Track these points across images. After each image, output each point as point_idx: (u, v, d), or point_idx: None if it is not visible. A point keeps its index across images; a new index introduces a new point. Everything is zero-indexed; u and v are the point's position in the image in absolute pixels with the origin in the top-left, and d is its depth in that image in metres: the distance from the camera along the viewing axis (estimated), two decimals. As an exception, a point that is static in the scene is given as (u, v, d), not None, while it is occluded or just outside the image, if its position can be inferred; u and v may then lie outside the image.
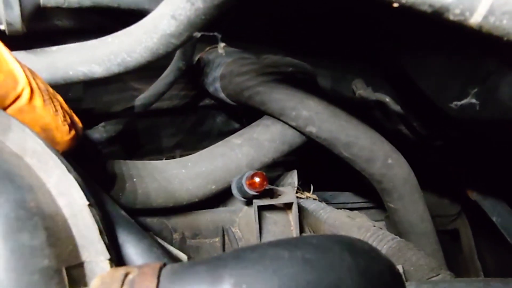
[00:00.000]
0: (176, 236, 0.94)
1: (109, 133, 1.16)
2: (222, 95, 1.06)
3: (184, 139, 1.51)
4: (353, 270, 0.33)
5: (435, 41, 0.85)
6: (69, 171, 0.41)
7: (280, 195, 0.91)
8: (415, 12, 0.37)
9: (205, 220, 0.96)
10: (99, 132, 1.14)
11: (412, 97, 1.18)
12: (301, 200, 1.14)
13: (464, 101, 0.49)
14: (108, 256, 0.39)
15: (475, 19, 0.35)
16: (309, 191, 1.21)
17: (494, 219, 1.25)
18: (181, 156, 1.41)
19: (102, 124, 1.16)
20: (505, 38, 0.35)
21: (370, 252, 0.36)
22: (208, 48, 1.13)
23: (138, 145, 1.46)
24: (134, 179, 0.81)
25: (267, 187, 0.85)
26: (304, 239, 0.36)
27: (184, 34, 0.54)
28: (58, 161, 0.41)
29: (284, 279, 0.32)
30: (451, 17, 0.36)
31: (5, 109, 0.42)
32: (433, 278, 0.77)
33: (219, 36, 0.55)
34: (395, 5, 0.37)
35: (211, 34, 0.53)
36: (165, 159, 0.94)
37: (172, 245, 0.73)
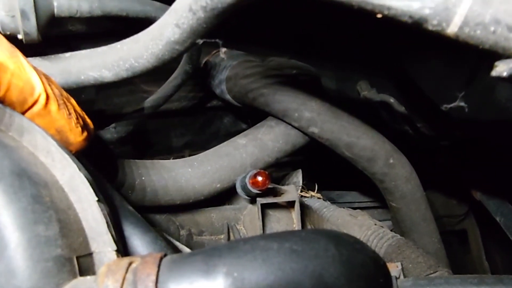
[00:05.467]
0: (183, 232, 0.97)
1: (119, 134, 1.20)
2: (228, 96, 1.09)
3: (192, 140, 1.55)
4: (336, 260, 0.36)
5: (435, 44, 0.87)
6: (80, 169, 0.45)
7: (283, 193, 0.94)
8: (397, 23, 0.40)
9: (211, 218, 1.00)
10: (110, 133, 1.18)
11: (417, 99, 1.20)
12: (305, 199, 1.17)
13: (452, 104, 0.51)
14: (115, 247, 0.42)
15: (451, 30, 0.37)
16: (314, 190, 1.24)
17: (498, 219, 1.26)
18: (190, 156, 1.46)
19: (113, 125, 1.20)
20: (480, 47, 0.38)
21: (355, 244, 0.39)
22: (214, 52, 1.17)
23: (148, 145, 1.51)
24: (143, 178, 0.85)
25: (270, 186, 0.88)
26: (293, 232, 0.39)
27: (187, 41, 0.58)
28: (70, 160, 0.45)
29: (271, 267, 0.35)
30: (430, 28, 0.38)
31: (23, 113, 0.46)
32: (431, 275, 0.80)
33: (220, 42, 0.58)
34: (379, 16, 0.40)
35: (213, 40, 0.56)
36: (174, 159, 0.98)
37: (179, 241, 0.77)
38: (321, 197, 1.21)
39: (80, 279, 0.37)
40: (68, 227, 0.41)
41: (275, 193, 0.93)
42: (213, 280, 0.34)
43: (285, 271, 0.35)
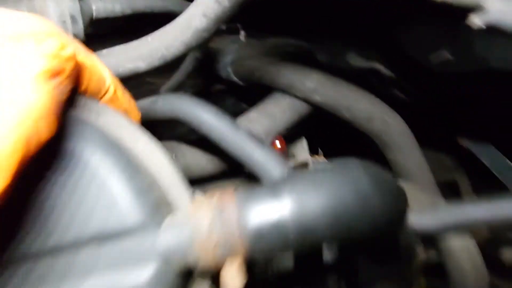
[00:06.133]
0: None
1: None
2: (235, 78, 1.20)
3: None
4: (370, 179, 0.48)
5: (422, 12, 0.98)
6: (150, 138, 0.55)
7: (294, 157, 1.05)
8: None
9: (236, 186, 1.10)
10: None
11: (403, 64, 1.31)
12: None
13: (440, 59, 0.62)
14: (191, 195, 0.53)
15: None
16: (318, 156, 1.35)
17: (486, 163, 1.38)
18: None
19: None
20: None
21: (378, 168, 0.51)
22: (217, 38, 1.26)
23: (155, 132, 1.59)
24: (175, 155, 0.96)
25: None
26: (329, 163, 0.51)
27: (213, 29, 0.68)
28: (141, 132, 0.56)
29: (323, 191, 0.46)
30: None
31: (99, 100, 0.56)
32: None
33: (240, 26, 0.68)
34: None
35: (234, 25, 0.66)
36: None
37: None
38: (327, 161, 1.32)
39: (174, 215, 0.48)
40: (151, 181, 0.52)
41: (288, 157, 1.05)
42: (280, 201, 0.45)
43: (332, 191, 0.46)
